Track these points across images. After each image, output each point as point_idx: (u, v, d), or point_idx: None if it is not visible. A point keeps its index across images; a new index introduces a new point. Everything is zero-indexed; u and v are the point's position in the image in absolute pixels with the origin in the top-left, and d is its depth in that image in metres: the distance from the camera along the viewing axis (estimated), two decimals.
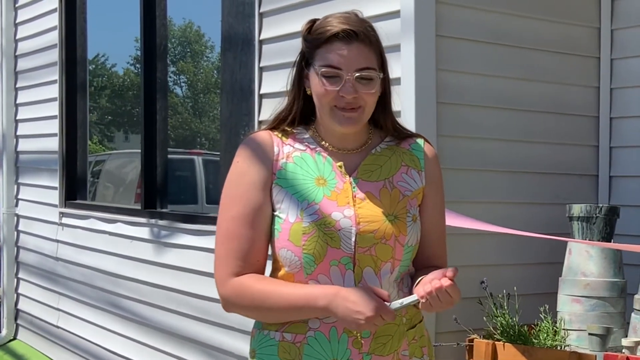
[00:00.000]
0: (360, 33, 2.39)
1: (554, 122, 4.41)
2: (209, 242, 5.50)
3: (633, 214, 4.29)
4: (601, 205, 3.88)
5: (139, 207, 6.57)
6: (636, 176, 4.39)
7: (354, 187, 2.43)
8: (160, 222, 6.13)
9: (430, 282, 2.25)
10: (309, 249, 2.37)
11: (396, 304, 2.29)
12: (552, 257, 4.13)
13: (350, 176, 2.45)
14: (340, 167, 2.46)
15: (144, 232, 6.30)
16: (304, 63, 2.47)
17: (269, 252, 2.49)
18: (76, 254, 7.15)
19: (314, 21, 2.46)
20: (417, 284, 2.33)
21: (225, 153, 7.04)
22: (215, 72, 24.76)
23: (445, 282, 2.22)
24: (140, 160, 6.60)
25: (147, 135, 6.52)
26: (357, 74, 2.37)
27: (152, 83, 6.51)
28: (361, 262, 2.38)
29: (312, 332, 2.39)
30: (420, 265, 2.53)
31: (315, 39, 2.41)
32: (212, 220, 5.61)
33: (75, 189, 7.53)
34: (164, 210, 6.45)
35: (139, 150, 6.72)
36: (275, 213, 2.43)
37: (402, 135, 2.58)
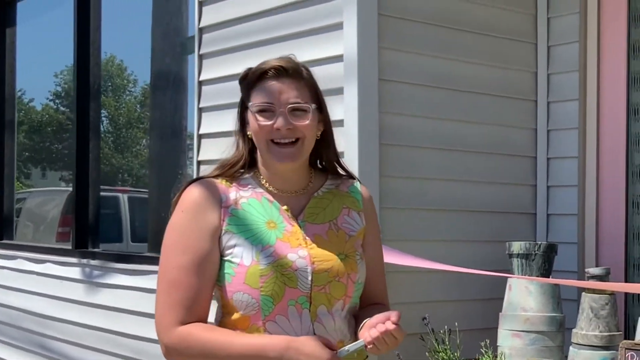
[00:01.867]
0: (290, 69, 2.53)
1: (493, 162, 4.75)
2: (143, 281, 5.72)
3: (570, 250, 4.65)
4: (539, 242, 4.21)
5: (70, 247, 6.76)
6: (572, 214, 4.75)
7: (303, 230, 2.56)
8: (93, 262, 6.32)
9: (375, 326, 2.43)
10: (267, 290, 2.46)
11: (344, 351, 2.44)
12: (492, 293, 4.43)
13: (297, 219, 2.57)
14: (286, 210, 2.57)
15: (74, 272, 6.49)
16: (244, 107, 2.64)
17: (215, 298, 2.64)
18: (2, 295, 7.27)
19: (250, 69, 2.64)
20: (362, 327, 2.51)
21: (155, 191, 7.29)
22: (138, 106, 24.84)
23: (391, 325, 2.39)
24: (72, 199, 6.81)
25: (79, 174, 6.75)
26: (290, 106, 2.50)
27: (85, 122, 6.76)
28: (316, 300, 2.50)
29: None
30: (363, 303, 2.71)
31: (249, 80, 2.55)
32: (147, 260, 5.86)
33: (2, 229, 7.67)
34: (96, 250, 6.65)
35: (60, 188, 6.91)
36: (226, 258, 2.51)
37: (342, 174, 2.75)
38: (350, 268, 2.55)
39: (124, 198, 11.80)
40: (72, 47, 6.75)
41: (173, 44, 7.07)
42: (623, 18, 4.65)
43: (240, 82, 2.60)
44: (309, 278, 2.49)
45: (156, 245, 6.69)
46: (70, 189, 11.42)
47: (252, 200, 2.57)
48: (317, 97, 2.59)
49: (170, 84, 7.01)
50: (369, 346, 2.40)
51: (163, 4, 7.06)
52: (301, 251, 2.51)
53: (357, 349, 2.43)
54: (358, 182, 2.75)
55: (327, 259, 2.53)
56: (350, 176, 2.75)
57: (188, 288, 2.48)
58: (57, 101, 23.35)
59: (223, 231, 2.52)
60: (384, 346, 2.40)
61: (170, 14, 7.00)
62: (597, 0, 4.70)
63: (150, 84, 7.47)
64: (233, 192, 2.58)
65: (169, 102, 6.99)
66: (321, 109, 2.60)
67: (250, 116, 2.54)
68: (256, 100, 2.52)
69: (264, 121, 2.50)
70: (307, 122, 2.52)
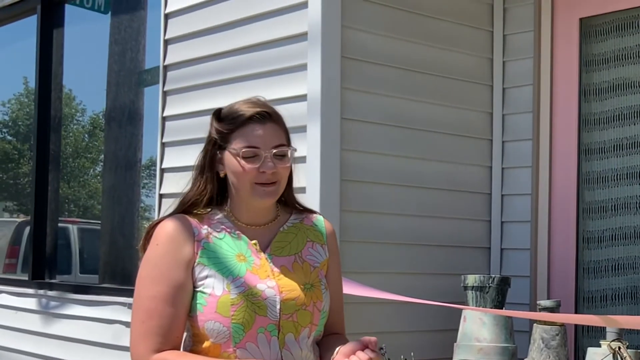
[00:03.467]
0: (273, 114, 2.73)
1: (449, 198, 5.05)
2: (100, 312, 5.94)
3: (523, 283, 4.96)
4: (493, 275, 4.49)
5: (26, 278, 6.97)
6: (525, 249, 5.07)
7: (270, 262, 2.75)
8: (50, 293, 6.53)
9: (355, 354, 2.60)
10: (238, 318, 2.63)
11: None
12: (447, 324, 4.72)
13: (264, 252, 2.77)
14: (255, 244, 2.76)
15: (31, 303, 6.70)
16: (216, 148, 2.76)
17: (186, 327, 2.77)
18: None
19: (220, 109, 2.79)
20: (336, 353, 2.69)
21: (107, 223, 7.51)
22: (86, 135, 24.81)
23: (372, 354, 2.58)
24: (30, 230, 7.01)
25: (37, 206, 6.98)
26: (274, 151, 2.69)
27: (45, 154, 7.01)
28: (284, 328, 2.68)
29: None
30: (323, 333, 2.85)
31: (230, 123, 2.73)
32: (105, 291, 6.10)
33: None
34: (53, 280, 6.86)
35: (7, 219, 7.07)
36: (199, 289, 2.69)
37: (303, 211, 2.98)
38: (316, 297, 2.75)
39: (73, 229, 11.88)
40: (21, 77, 6.99)
41: (129, 77, 7.30)
42: (575, 63, 5.01)
43: (216, 125, 2.77)
44: (278, 307, 2.68)
45: (108, 276, 6.96)
46: (17, 219, 11.59)
47: (222, 234, 2.77)
48: (289, 139, 2.79)
49: (125, 117, 7.23)
50: None
51: (120, 36, 7.30)
52: (269, 282, 2.70)
53: None
54: (321, 216, 2.96)
55: (294, 288, 2.72)
56: (310, 211, 2.95)
57: (162, 317, 2.65)
58: (3, 130, 23.31)
59: (196, 263, 2.70)
60: None
61: (127, 47, 7.25)
62: (550, 45, 5.05)
63: (105, 117, 7.64)
64: (205, 227, 2.76)
65: (124, 134, 7.21)
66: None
67: (230, 158, 2.71)
68: (241, 144, 2.70)
69: (249, 164, 2.68)
70: (288, 164, 2.74)
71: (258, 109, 2.73)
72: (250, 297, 2.66)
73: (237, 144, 2.72)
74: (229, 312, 2.65)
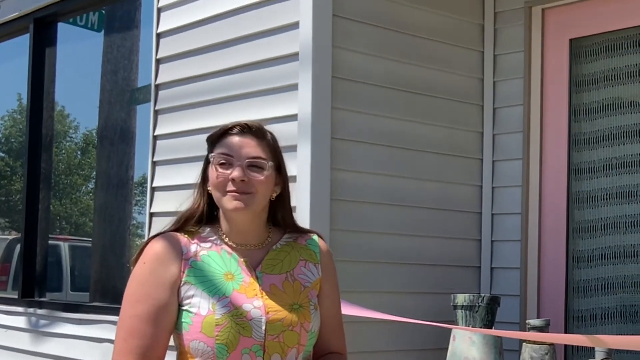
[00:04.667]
0: (254, 128, 2.78)
1: (439, 217, 5.08)
2: (90, 331, 5.96)
3: (512, 302, 4.98)
4: (483, 294, 4.52)
5: (16, 296, 6.98)
6: (515, 268, 5.10)
7: (259, 281, 2.76)
8: (39, 311, 6.54)
9: None
10: (222, 338, 2.65)
11: None
12: (437, 343, 4.72)
13: (255, 270, 2.78)
14: (245, 262, 2.78)
15: (20, 322, 6.71)
16: (206, 163, 2.83)
17: (174, 345, 2.79)
18: None
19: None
20: None
21: (99, 241, 7.54)
22: (78, 152, 24.84)
23: None
24: (20, 248, 7.03)
25: (28, 224, 7.00)
26: (247, 161, 2.72)
27: (36, 172, 7.03)
28: (270, 349, 2.68)
29: None
30: (320, 352, 2.89)
31: (213, 137, 2.82)
32: (94, 310, 6.11)
33: None
34: (42, 299, 6.87)
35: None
36: (185, 308, 2.71)
37: (298, 231, 2.99)
38: (303, 318, 2.75)
39: (64, 246, 11.88)
40: (14, 93, 7.02)
41: (122, 95, 7.34)
42: (565, 83, 5.05)
43: (207, 141, 2.85)
44: (263, 327, 2.68)
45: (99, 295, 6.98)
46: (8, 237, 11.59)
47: (212, 252, 2.79)
48: (277, 159, 2.82)
49: (117, 135, 7.27)
50: None
51: (113, 55, 7.34)
52: (256, 301, 2.71)
53: None
54: (316, 236, 2.96)
55: (281, 309, 2.73)
56: (307, 231, 2.97)
57: (143, 336, 2.67)
58: None
59: (182, 282, 2.72)
60: None
61: (119, 65, 7.29)
62: (540, 65, 5.10)
63: (97, 134, 7.68)
64: (194, 245, 2.78)
65: (116, 152, 7.25)
66: (280, 170, 2.83)
67: (211, 169, 2.78)
68: (216, 151, 2.77)
69: (221, 171, 2.73)
70: (262, 177, 2.74)
71: (240, 122, 2.80)
72: (235, 318, 2.68)
73: (214, 153, 2.79)
74: (213, 332, 2.67)
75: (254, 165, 2.74)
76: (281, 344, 2.71)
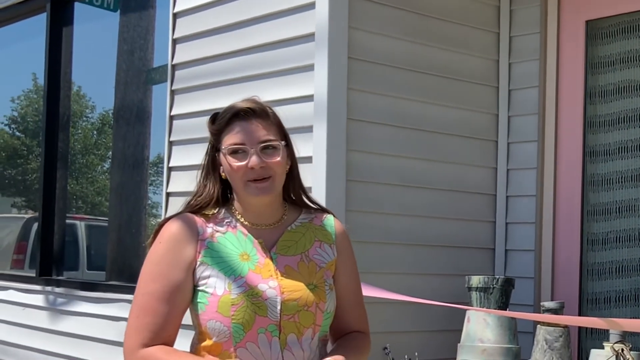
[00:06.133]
0: (257, 109, 2.75)
1: (454, 199, 5.07)
2: (107, 309, 5.98)
3: (527, 285, 4.99)
4: (497, 276, 4.52)
5: (34, 275, 7.00)
6: (529, 250, 5.10)
7: (274, 262, 2.75)
8: (57, 290, 6.57)
9: None
10: (238, 318, 2.65)
11: None
12: (451, 325, 4.74)
13: (270, 251, 2.77)
14: (260, 243, 2.77)
15: (38, 300, 6.73)
16: (215, 151, 2.81)
17: (192, 325, 2.89)
18: None
19: (216, 114, 2.89)
20: None
21: (115, 220, 7.55)
22: (94, 132, 24.89)
23: None
24: (38, 227, 7.03)
25: (45, 203, 7.01)
26: (261, 145, 2.71)
27: (53, 152, 7.04)
28: (286, 329, 2.69)
29: None
30: (341, 332, 2.90)
31: (218, 124, 2.78)
32: (111, 288, 6.13)
33: None
34: (60, 277, 6.89)
35: (15, 215, 7.11)
36: (201, 288, 2.71)
37: (313, 209, 2.98)
38: (318, 298, 2.74)
39: (81, 225, 11.92)
40: (29, 73, 7.03)
41: (138, 75, 7.33)
42: (580, 65, 5.03)
43: (210, 129, 2.83)
44: (278, 307, 2.68)
45: (115, 274, 7.01)
46: (25, 215, 11.65)
47: (228, 234, 2.79)
48: (284, 134, 2.81)
49: (133, 115, 7.27)
50: None
51: (129, 35, 7.33)
52: (272, 282, 2.70)
53: None
54: (332, 216, 2.94)
55: (297, 289, 2.72)
56: (322, 209, 2.94)
57: (156, 314, 2.68)
58: (12, 126, 23.38)
59: (198, 263, 2.73)
60: None
61: (136, 45, 7.28)
62: (556, 47, 5.07)
63: (114, 114, 7.68)
64: (210, 226, 2.78)
65: (132, 132, 7.25)
66: (287, 145, 2.82)
67: (223, 159, 2.76)
68: (228, 142, 2.74)
69: (237, 162, 2.71)
70: (278, 158, 2.74)
71: (242, 106, 2.77)
72: (250, 297, 2.68)
73: (225, 144, 2.77)
74: (229, 311, 2.67)
75: (267, 148, 2.74)
76: (297, 323, 2.71)
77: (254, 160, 2.71)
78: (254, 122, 2.75)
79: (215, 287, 2.71)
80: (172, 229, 2.77)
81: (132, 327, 2.71)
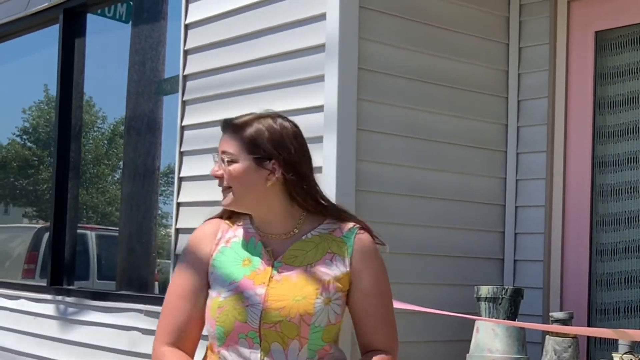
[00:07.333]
0: (236, 123, 2.84)
1: (463, 209, 5.06)
2: (118, 319, 5.98)
3: (535, 295, 4.96)
4: (506, 287, 4.50)
5: (44, 284, 7.01)
6: (538, 260, 5.07)
7: (275, 270, 2.80)
8: (68, 299, 6.57)
9: None
10: (220, 321, 2.76)
11: None
12: (460, 335, 4.71)
13: (275, 260, 2.82)
14: (269, 251, 2.84)
15: (49, 309, 6.74)
16: None
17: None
18: None
19: None
20: None
21: (125, 230, 7.57)
22: (105, 142, 24.97)
23: None
24: (49, 236, 7.07)
25: (57, 212, 7.02)
26: (221, 157, 2.84)
27: (65, 162, 7.05)
28: (267, 337, 2.73)
29: None
30: (365, 348, 2.91)
31: None
32: (122, 298, 6.14)
33: None
34: (71, 287, 6.90)
35: (26, 225, 7.14)
36: (209, 290, 2.84)
37: (342, 220, 2.92)
38: (304, 310, 2.73)
39: (92, 235, 11.97)
40: (41, 84, 7.05)
41: (149, 86, 7.36)
42: (590, 75, 5.01)
43: None
44: (259, 315, 2.73)
45: (125, 283, 7.03)
46: (36, 225, 11.69)
47: (242, 240, 2.90)
48: (260, 150, 2.80)
49: (144, 125, 7.30)
50: None
51: (141, 46, 7.36)
52: (260, 289, 2.76)
53: None
54: (357, 229, 2.92)
55: (282, 298, 2.74)
56: (351, 219, 2.95)
57: (177, 312, 2.84)
58: (24, 137, 23.47)
59: (210, 265, 2.88)
60: None
61: (147, 56, 7.30)
62: (565, 58, 5.06)
63: (125, 125, 7.72)
64: (230, 231, 2.92)
65: (143, 143, 7.28)
66: (270, 159, 2.80)
67: None
68: None
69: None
70: (231, 169, 2.80)
71: (226, 118, 2.91)
72: (234, 303, 2.77)
73: None
74: (215, 314, 2.79)
75: (223, 160, 2.84)
76: (279, 333, 2.74)
77: (213, 167, 2.87)
78: (225, 134, 2.87)
79: (214, 289, 2.83)
80: (197, 232, 2.96)
81: (158, 325, 2.88)
